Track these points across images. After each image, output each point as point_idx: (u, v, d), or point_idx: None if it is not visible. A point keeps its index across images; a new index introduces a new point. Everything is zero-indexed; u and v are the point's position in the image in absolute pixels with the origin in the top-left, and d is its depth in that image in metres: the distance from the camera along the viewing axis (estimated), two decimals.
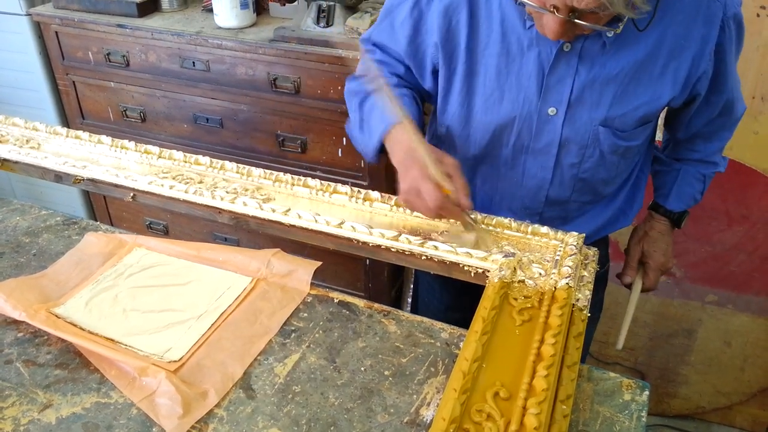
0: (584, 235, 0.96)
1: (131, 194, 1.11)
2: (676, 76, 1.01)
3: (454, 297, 1.36)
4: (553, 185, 1.11)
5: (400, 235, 0.97)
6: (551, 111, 1.03)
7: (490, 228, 0.98)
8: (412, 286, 1.55)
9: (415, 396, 0.79)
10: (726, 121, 1.18)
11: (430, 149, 0.93)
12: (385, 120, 1.01)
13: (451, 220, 0.98)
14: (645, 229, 1.30)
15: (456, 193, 0.91)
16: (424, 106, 1.16)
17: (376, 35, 1.13)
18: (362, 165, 1.84)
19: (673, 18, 0.97)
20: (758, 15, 1.65)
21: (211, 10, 1.90)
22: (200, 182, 1.09)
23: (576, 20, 0.85)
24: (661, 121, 1.28)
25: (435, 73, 1.09)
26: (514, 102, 1.03)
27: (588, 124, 1.03)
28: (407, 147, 0.95)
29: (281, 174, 1.09)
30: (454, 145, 1.14)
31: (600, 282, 1.32)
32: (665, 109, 1.14)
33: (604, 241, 1.31)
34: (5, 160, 1.19)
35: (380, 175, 1.83)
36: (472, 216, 0.97)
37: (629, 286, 1.30)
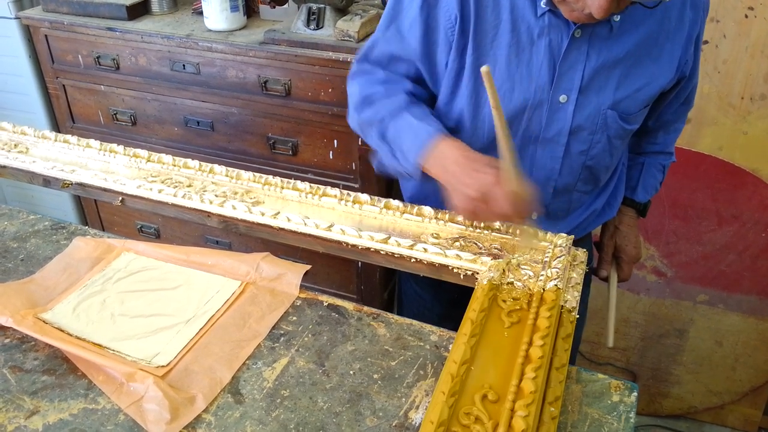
0: (573, 237, 0.97)
1: (120, 198, 1.11)
2: (672, 57, 1.04)
3: (446, 306, 1.34)
4: (562, 175, 1.11)
5: (389, 237, 0.97)
6: (562, 98, 1.02)
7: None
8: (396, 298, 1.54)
9: (404, 399, 0.79)
10: (685, 110, 1.24)
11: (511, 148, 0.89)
12: (420, 138, 0.98)
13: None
14: (615, 223, 1.34)
15: (531, 197, 0.90)
16: None
17: (380, 48, 1.08)
18: (353, 167, 1.84)
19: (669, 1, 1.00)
20: (746, 16, 1.66)
21: (201, 13, 1.90)
22: (189, 186, 1.09)
23: None
24: None
25: (445, 68, 1.06)
26: (525, 92, 1.02)
27: (597, 109, 1.04)
28: (463, 157, 0.94)
29: (270, 177, 1.09)
30: (457, 135, 1.10)
31: (585, 279, 1.34)
32: None
33: (589, 237, 1.34)
34: None
35: (371, 177, 1.83)
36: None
37: (605, 280, 1.34)
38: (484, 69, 0.82)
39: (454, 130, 1.11)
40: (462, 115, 1.08)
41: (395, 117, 1.03)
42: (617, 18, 0.97)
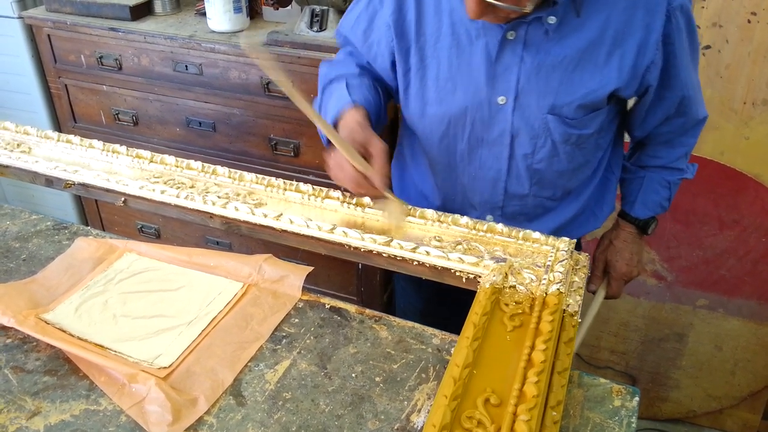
0: (575, 240, 0.97)
1: (122, 199, 1.11)
2: (622, 63, 1.02)
3: (427, 303, 1.40)
4: (510, 177, 1.13)
5: (391, 240, 0.97)
6: (501, 100, 1.05)
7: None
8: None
9: (406, 402, 0.79)
10: (685, 123, 1.18)
11: (352, 135, 0.99)
12: (340, 104, 1.06)
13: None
14: (610, 237, 1.32)
15: (371, 174, 0.96)
16: (390, 97, 1.20)
17: (342, 28, 1.19)
18: None
19: (615, 5, 1.00)
20: (749, 21, 1.66)
21: (204, 14, 1.90)
22: (192, 187, 1.09)
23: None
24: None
25: (391, 67, 1.13)
26: (465, 92, 1.06)
27: (537, 113, 1.05)
28: (347, 129, 1.02)
29: (273, 179, 1.09)
30: (416, 140, 1.19)
31: None
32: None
33: (577, 245, 1.32)
34: None
35: None
36: (390, 195, 1.00)
37: (594, 293, 1.33)
38: (243, 43, 0.91)
39: (409, 128, 1.19)
40: (413, 115, 1.14)
41: (337, 81, 1.13)
42: (552, 20, 0.98)
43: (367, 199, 1.03)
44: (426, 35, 1.06)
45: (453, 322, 1.26)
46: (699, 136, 1.23)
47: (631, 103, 1.17)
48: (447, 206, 1.21)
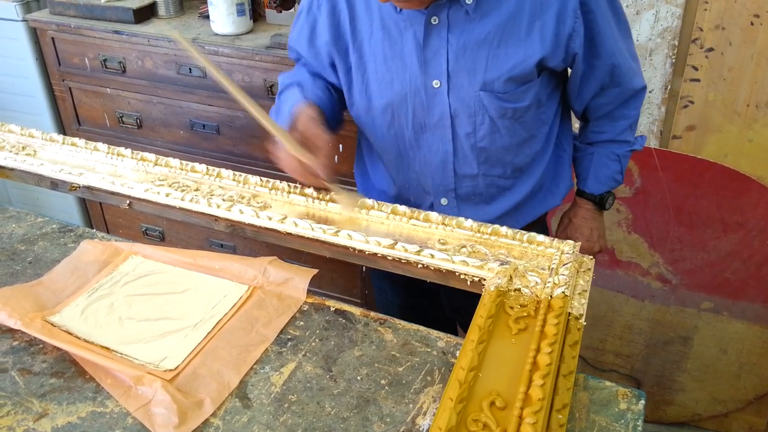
0: (579, 243, 0.97)
1: (127, 202, 1.11)
2: (543, 34, 1.05)
3: (404, 298, 1.43)
4: (458, 158, 1.16)
5: (396, 243, 0.97)
6: (435, 84, 1.09)
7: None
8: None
9: (411, 405, 0.79)
10: (622, 93, 1.20)
11: (302, 129, 1.04)
12: (292, 103, 1.11)
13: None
14: (569, 216, 1.36)
15: (314, 165, 1.00)
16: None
17: (291, 42, 1.24)
18: None
19: None
20: (752, 23, 1.66)
21: (207, 17, 1.90)
22: (196, 190, 1.09)
23: None
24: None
25: (334, 70, 1.19)
26: (402, 81, 1.11)
27: (470, 91, 1.09)
28: (294, 121, 1.07)
29: (277, 182, 1.09)
30: (366, 135, 1.24)
31: None
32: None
33: (540, 225, 1.34)
34: (1, 167, 1.19)
35: None
36: (335, 185, 1.04)
37: None
38: (174, 35, 0.99)
39: (359, 125, 1.24)
40: (359, 111, 1.19)
41: (291, 87, 1.19)
42: (470, 0, 1.02)
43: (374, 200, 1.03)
44: (361, 33, 1.12)
45: (431, 316, 1.28)
46: (641, 107, 1.26)
47: None
48: (402, 195, 1.25)
